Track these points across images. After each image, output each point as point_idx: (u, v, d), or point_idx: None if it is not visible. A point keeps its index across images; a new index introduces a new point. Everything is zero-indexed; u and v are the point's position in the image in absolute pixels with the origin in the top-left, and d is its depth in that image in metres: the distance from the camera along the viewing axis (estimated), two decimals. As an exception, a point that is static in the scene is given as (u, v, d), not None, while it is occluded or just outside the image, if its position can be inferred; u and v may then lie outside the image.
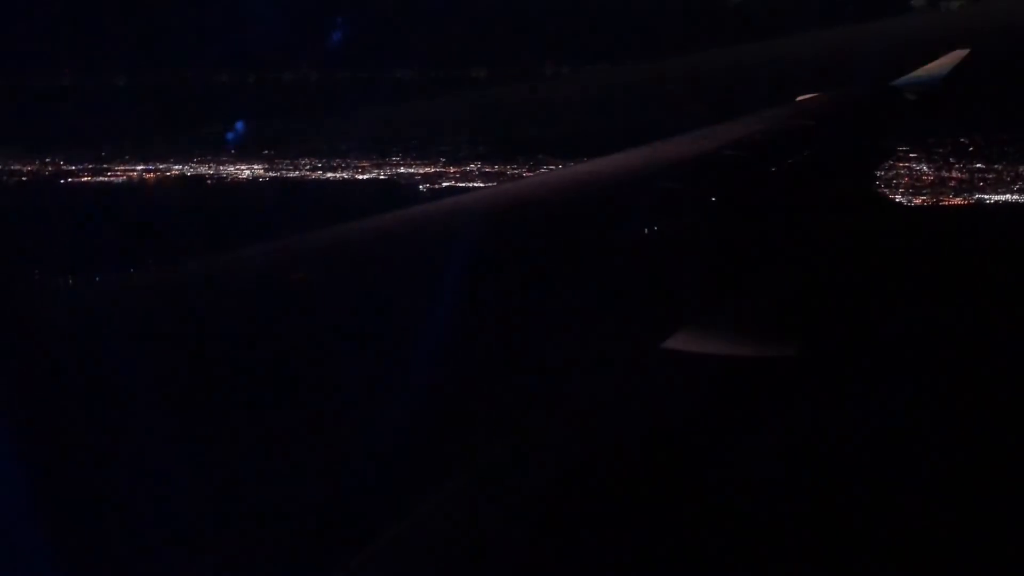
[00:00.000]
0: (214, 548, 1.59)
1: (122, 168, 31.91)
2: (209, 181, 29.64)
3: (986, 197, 26.02)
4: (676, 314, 3.06)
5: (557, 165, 18.95)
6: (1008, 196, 26.12)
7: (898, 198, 26.01)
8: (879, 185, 26.83)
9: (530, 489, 2.09)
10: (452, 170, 28.98)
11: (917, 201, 25.83)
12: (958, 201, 25.95)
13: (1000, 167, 26.79)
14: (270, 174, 30.38)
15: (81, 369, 2.06)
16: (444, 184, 26.54)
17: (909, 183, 26.68)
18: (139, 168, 32.14)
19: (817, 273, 4.92)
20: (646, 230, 3.63)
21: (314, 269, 2.79)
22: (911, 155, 26.39)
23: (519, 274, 2.96)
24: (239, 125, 30.98)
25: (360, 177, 29.38)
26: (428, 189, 26.18)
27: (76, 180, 30.29)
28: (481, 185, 24.16)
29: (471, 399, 2.17)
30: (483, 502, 1.99)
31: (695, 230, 3.73)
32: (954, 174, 27.02)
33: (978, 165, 26.80)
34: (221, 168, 31.63)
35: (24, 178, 31.12)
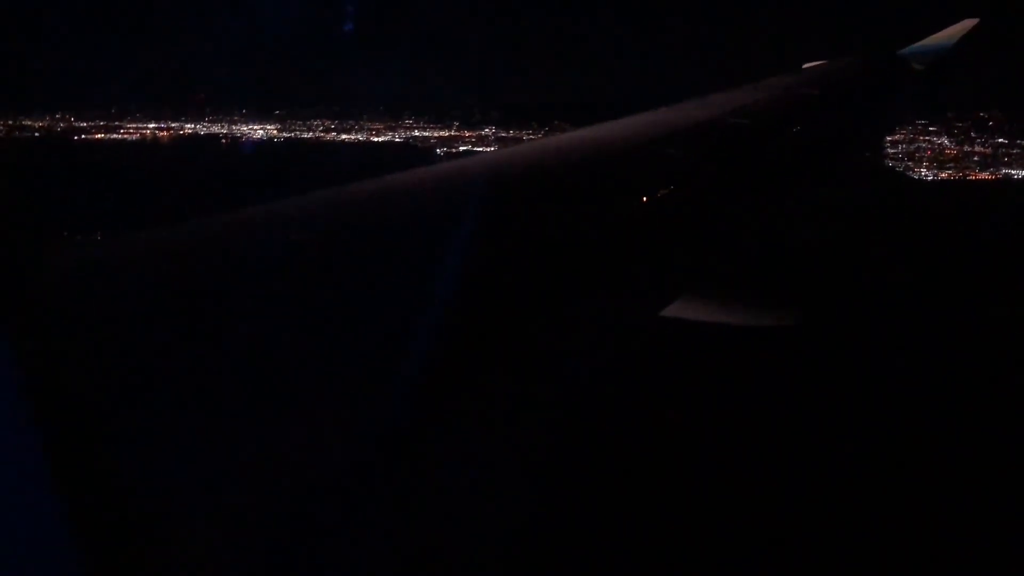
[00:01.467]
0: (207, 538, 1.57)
1: (134, 126, 32.18)
2: (224, 140, 29.92)
3: (1014, 172, 25.92)
4: (676, 282, 3.09)
5: (572, 129, 19.16)
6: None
7: (924, 171, 26.00)
8: (903, 159, 26.92)
9: (526, 461, 2.06)
10: (467, 134, 29.16)
11: (943, 175, 25.86)
12: (985, 176, 25.92)
13: None
14: (284, 135, 30.66)
15: (88, 334, 2.02)
16: (461, 148, 26.73)
17: (932, 157, 26.73)
18: (151, 126, 32.41)
19: (820, 243, 5.04)
20: (648, 197, 3.66)
21: (309, 231, 2.77)
22: (931, 128, 26.42)
23: (518, 242, 2.93)
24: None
25: (375, 139, 29.62)
26: (446, 153, 26.36)
27: (90, 137, 30.62)
28: (497, 149, 24.48)
29: (468, 368, 2.18)
30: (479, 468, 1.98)
31: (697, 198, 3.79)
32: (976, 148, 27.04)
33: (1000, 140, 26.81)
34: (234, 128, 31.88)
35: (37, 134, 31.42)
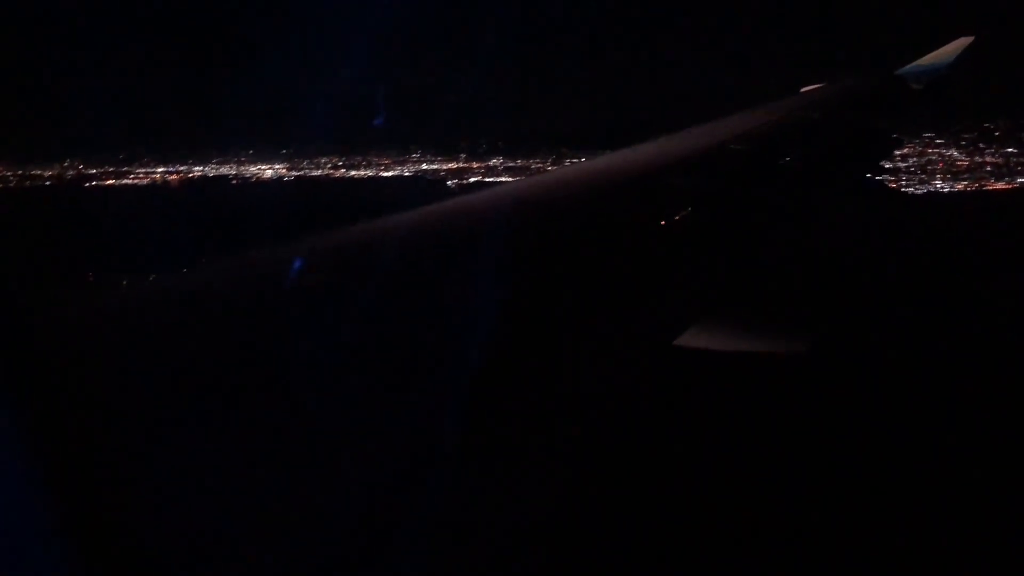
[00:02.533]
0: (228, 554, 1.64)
1: (144, 171, 32.74)
2: (234, 181, 30.42)
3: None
4: (687, 311, 3.14)
5: (579, 158, 19.61)
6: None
7: (938, 183, 26.21)
8: (916, 172, 27.10)
9: (540, 489, 2.09)
10: (475, 165, 29.61)
11: (959, 187, 26.00)
12: (1002, 186, 26.05)
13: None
14: (293, 173, 31.17)
15: (98, 376, 2.10)
16: (472, 179, 27.12)
17: (945, 169, 26.96)
18: (160, 170, 32.95)
19: (827, 267, 5.18)
20: (656, 227, 3.71)
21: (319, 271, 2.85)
22: (938, 141, 26.72)
23: (529, 274, 2.99)
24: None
25: (385, 175, 30.12)
26: (457, 185, 26.74)
27: (101, 184, 31.19)
28: (508, 180, 24.85)
29: (482, 400, 2.21)
30: (493, 502, 2.02)
31: (704, 226, 3.84)
32: (987, 159, 27.26)
33: (1010, 150, 27.06)
34: (242, 168, 32.40)
35: (48, 183, 31.99)
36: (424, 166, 30.17)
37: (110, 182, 31.39)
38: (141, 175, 32.18)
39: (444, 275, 2.95)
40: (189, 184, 30.96)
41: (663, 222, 3.75)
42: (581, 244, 3.41)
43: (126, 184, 30.93)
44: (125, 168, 32.83)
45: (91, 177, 32.32)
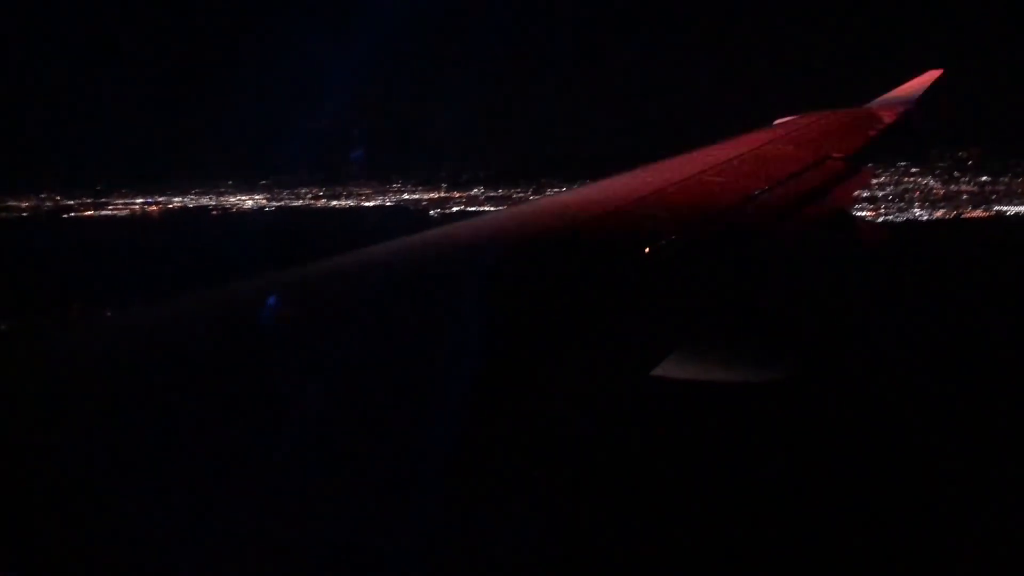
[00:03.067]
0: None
1: (122, 202, 32.68)
2: (215, 211, 30.46)
3: (1006, 208, 26.57)
4: (665, 341, 3.15)
5: (560, 187, 19.91)
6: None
7: (917, 211, 26.74)
8: (894, 200, 27.63)
9: (521, 523, 2.10)
10: (457, 195, 29.84)
11: (937, 215, 26.50)
12: (979, 213, 26.56)
13: (1007, 179, 27.61)
14: (274, 204, 31.25)
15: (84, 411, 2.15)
16: (454, 209, 27.40)
17: (922, 197, 27.46)
18: (139, 201, 32.92)
19: (803, 298, 5.33)
20: (632, 257, 3.76)
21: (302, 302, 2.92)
22: (913, 170, 27.29)
23: (506, 307, 3.01)
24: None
25: (366, 204, 30.29)
26: (439, 215, 27.05)
27: (79, 215, 31.12)
28: (491, 209, 25.07)
29: (460, 433, 2.24)
30: (473, 538, 2.05)
31: (680, 257, 3.88)
32: (963, 187, 27.79)
33: (984, 178, 27.63)
34: (222, 199, 32.42)
35: (24, 214, 31.83)
36: (405, 196, 30.37)
37: (89, 213, 31.32)
38: (120, 206, 32.13)
39: (419, 308, 2.99)
40: (170, 215, 30.94)
41: (647, 249, 3.80)
42: (559, 274, 3.45)
43: (105, 215, 30.87)
44: (103, 200, 32.75)
45: (69, 208, 32.20)
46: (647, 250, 3.82)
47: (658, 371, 3.03)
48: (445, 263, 3.53)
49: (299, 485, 2.01)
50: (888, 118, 7.47)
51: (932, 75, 8.52)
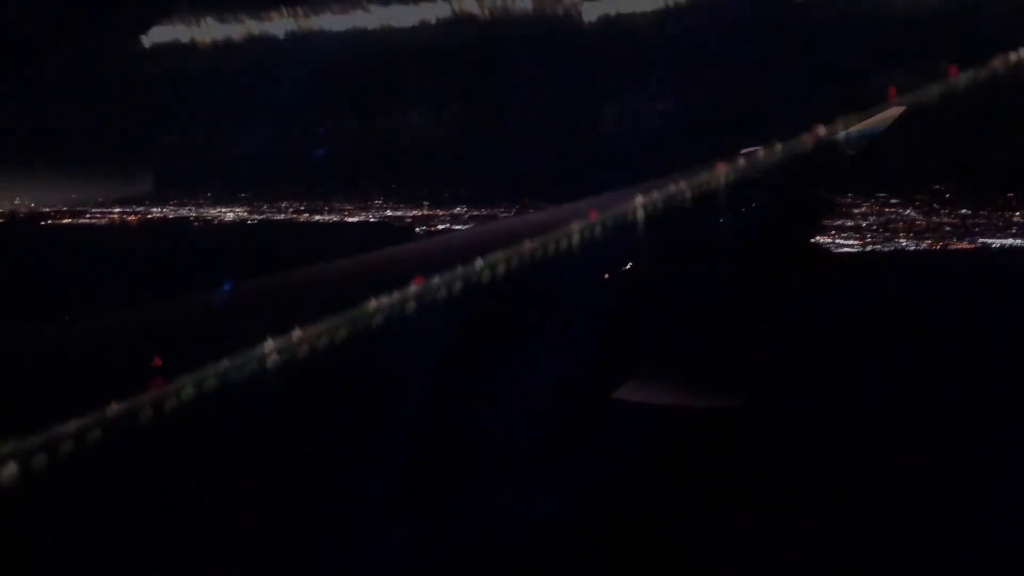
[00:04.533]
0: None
1: (100, 211, 32.65)
2: (196, 223, 30.54)
3: (990, 241, 27.03)
4: (626, 365, 3.05)
5: (542, 207, 20.31)
6: (1011, 240, 27.16)
7: (904, 242, 27.17)
8: (879, 230, 28.04)
9: (487, 546, 2.20)
10: (440, 213, 30.09)
11: (923, 245, 26.94)
12: (965, 245, 26.99)
13: (987, 211, 28.14)
14: (256, 216, 31.33)
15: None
16: (440, 227, 27.71)
17: (904, 228, 27.94)
18: (117, 210, 32.87)
19: (764, 325, 5.64)
20: (593, 281, 3.82)
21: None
22: (892, 201, 27.79)
23: (467, 330, 3.07)
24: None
25: (349, 220, 30.42)
26: (425, 231, 27.34)
27: (57, 223, 31.13)
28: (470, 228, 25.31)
29: (426, 456, 2.43)
30: (439, 559, 2.21)
31: (643, 282, 3.95)
32: (944, 219, 28.28)
33: (964, 211, 28.16)
34: (202, 211, 32.45)
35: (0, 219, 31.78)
36: (388, 212, 30.57)
37: (67, 221, 31.33)
38: (98, 215, 32.11)
39: (379, 334, 3.02)
40: (149, 225, 31.01)
41: (604, 275, 4.02)
42: (520, 296, 3.42)
43: (83, 223, 30.89)
44: (80, 208, 32.68)
45: (45, 216, 32.18)
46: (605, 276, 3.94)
47: (618, 394, 3.18)
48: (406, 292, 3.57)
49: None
50: (849, 152, 7.67)
51: (895, 111, 8.64)
